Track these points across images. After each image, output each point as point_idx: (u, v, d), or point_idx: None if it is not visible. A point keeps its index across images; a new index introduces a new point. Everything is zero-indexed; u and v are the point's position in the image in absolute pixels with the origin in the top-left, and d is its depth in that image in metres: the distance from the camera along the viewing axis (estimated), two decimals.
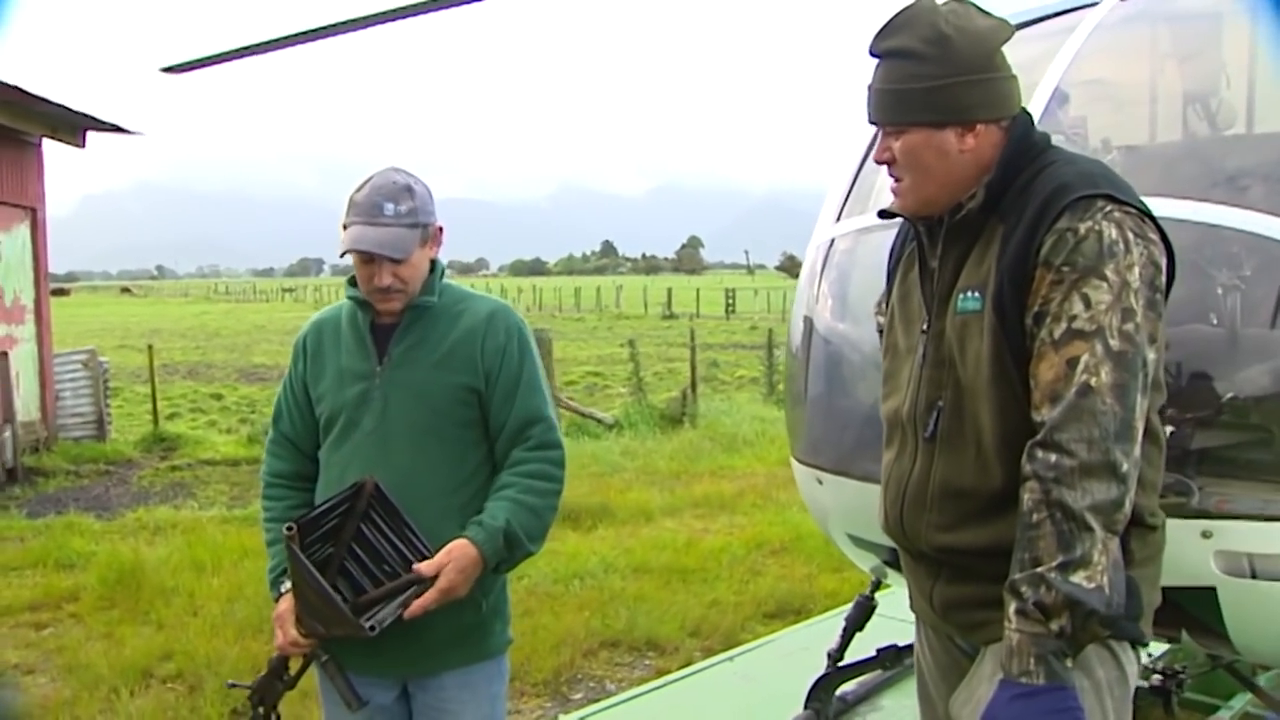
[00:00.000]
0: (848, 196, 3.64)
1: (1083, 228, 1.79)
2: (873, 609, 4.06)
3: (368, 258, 2.40)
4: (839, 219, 3.64)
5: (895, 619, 4.48)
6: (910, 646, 4.30)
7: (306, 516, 2.36)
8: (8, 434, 11.02)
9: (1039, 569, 1.71)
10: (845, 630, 4.09)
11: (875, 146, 2.02)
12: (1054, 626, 1.69)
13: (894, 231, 2.34)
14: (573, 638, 5.66)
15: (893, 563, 3.41)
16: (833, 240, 3.61)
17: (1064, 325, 1.77)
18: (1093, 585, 1.70)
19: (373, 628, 2.25)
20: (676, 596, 6.46)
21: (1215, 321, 2.73)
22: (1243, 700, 3.72)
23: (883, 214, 2.14)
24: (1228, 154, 3.28)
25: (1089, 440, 1.72)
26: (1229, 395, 2.59)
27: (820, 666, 4.13)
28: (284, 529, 2.26)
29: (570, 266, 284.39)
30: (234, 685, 2.69)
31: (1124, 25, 3.31)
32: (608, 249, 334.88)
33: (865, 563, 3.65)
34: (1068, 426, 1.73)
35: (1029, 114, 1.99)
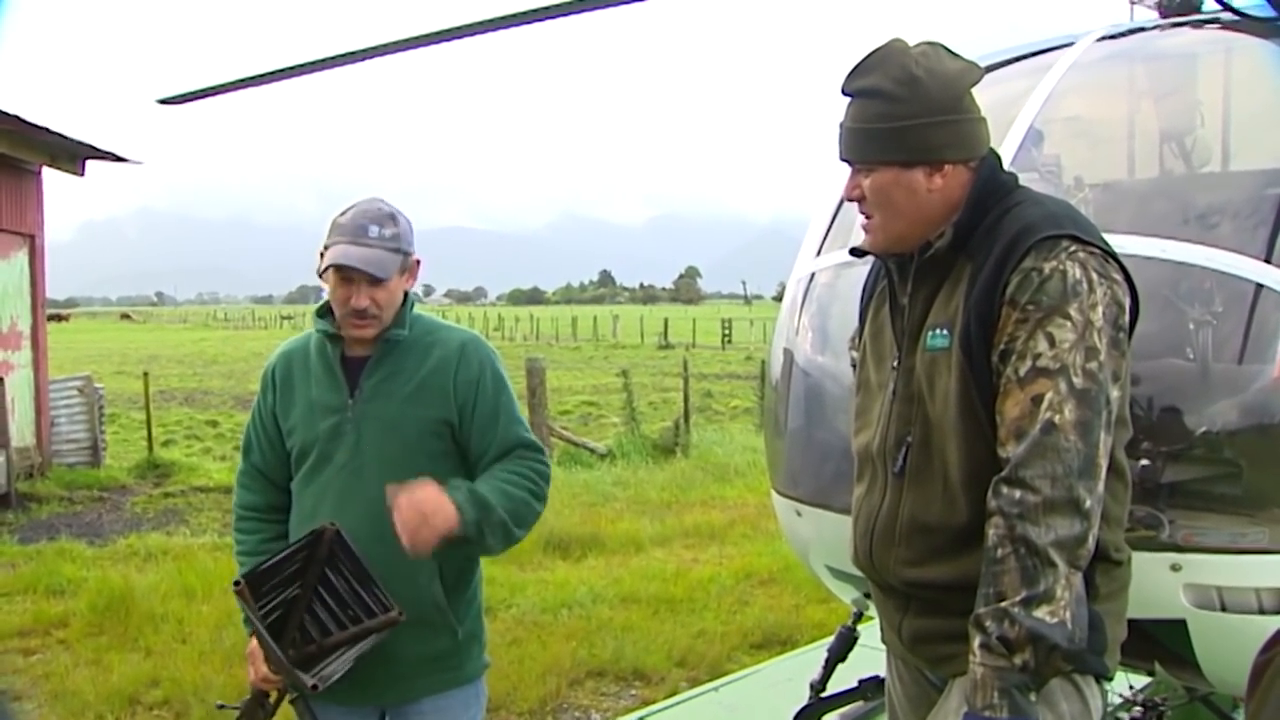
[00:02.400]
0: (828, 231, 3.68)
1: (1047, 267, 1.83)
2: (855, 640, 4.08)
3: (347, 278, 2.40)
4: (819, 253, 3.68)
5: (878, 650, 4.50)
6: None
7: (266, 564, 2.38)
8: (2, 459, 11.02)
9: (1003, 604, 1.74)
10: (828, 661, 4.10)
11: (846, 183, 2.07)
12: (1017, 660, 1.73)
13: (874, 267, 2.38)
14: (559, 667, 5.67)
15: (871, 594, 3.44)
16: (813, 274, 3.65)
17: (1029, 363, 1.81)
18: (1055, 620, 1.73)
19: (315, 686, 2.28)
20: (664, 626, 6.46)
21: (1188, 356, 2.77)
22: None
23: (854, 251, 2.19)
24: (1202, 192, 3.33)
25: (1053, 477, 1.75)
26: (1199, 430, 2.63)
27: (801, 696, 4.15)
28: (233, 584, 2.30)
29: (568, 295, 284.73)
30: (223, 706, 2.74)
31: (1099, 65, 3.37)
32: (606, 278, 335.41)
33: (846, 594, 3.68)
34: (1032, 463, 1.77)
35: (997, 155, 2.04)
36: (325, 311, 2.54)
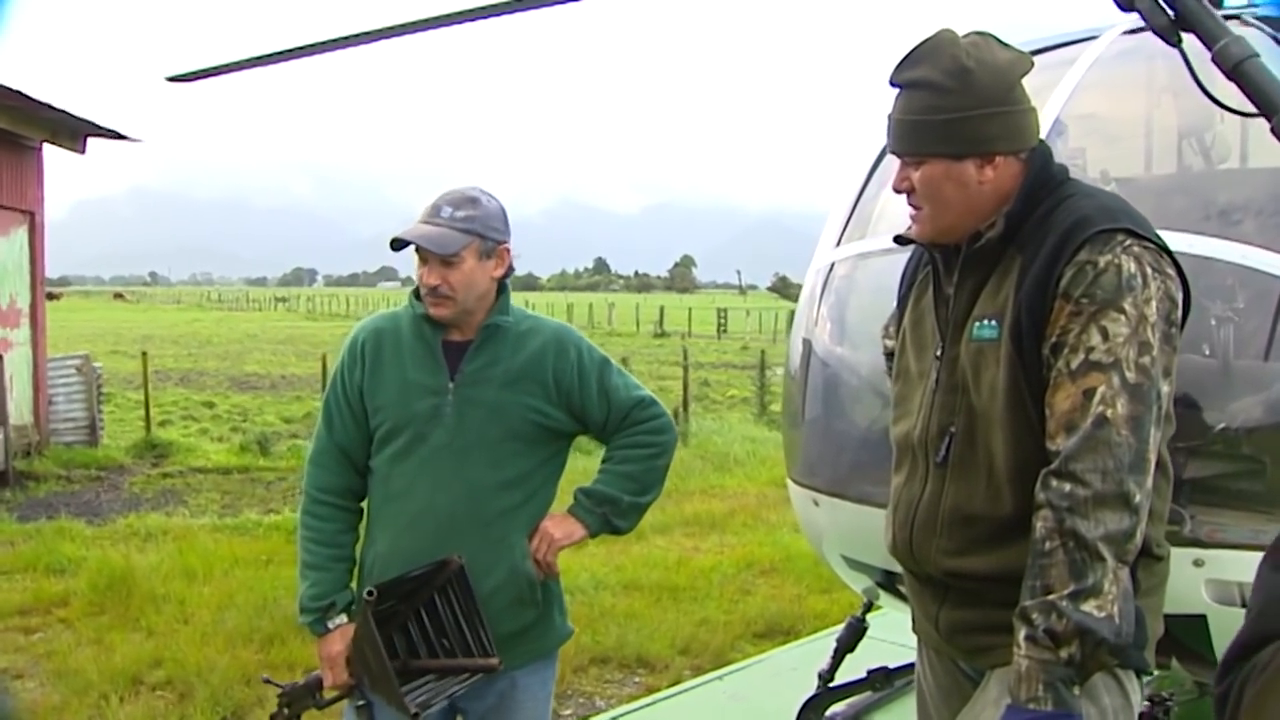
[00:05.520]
0: (848, 221, 3.67)
1: (1102, 261, 1.82)
2: (864, 630, 4.07)
3: (423, 256, 2.46)
4: (839, 243, 3.67)
5: (886, 641, 4.50)
6: (901, 669, 4.34)
7: (393, 580, 2.41)
8: (0, 437, 11.00)
9: (1050, 596, 1.75)
10: (836, 651, 4.10)
11: (895, 175, 2.05)
12: (1063, 654, 1.73)
13: (895, 257, 2.38)
14: (563, 653, 5.64)
15: (885, 585, 3.43)
16: (832, 264, 3.64)
17: (1081, 356, 1.81)
18: (1103, 614, 1.73)
19: (415, 715, 2.29)
20: (667, 614, 6.48)
21: (1208, 353, 2.78)
22: None
23: (899, 239, 2.17)
24: (1222, 188, 3.33)
25: (1103, 471, 1.75)
26: (1221, 426, 2.63)
27: (810, 686, 4.14)
28: (365, 592, 2.31)
29: (563, 282, 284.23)
30: (268, 681, 2.78)
31: (1122, 59, 3.36)
32: (601, 265, 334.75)
33: (858, 584, 3.67)
34: (1083, 457, 1.77)
35: (1047, 146, 2.03)
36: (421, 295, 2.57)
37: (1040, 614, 1.75)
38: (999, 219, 1.95)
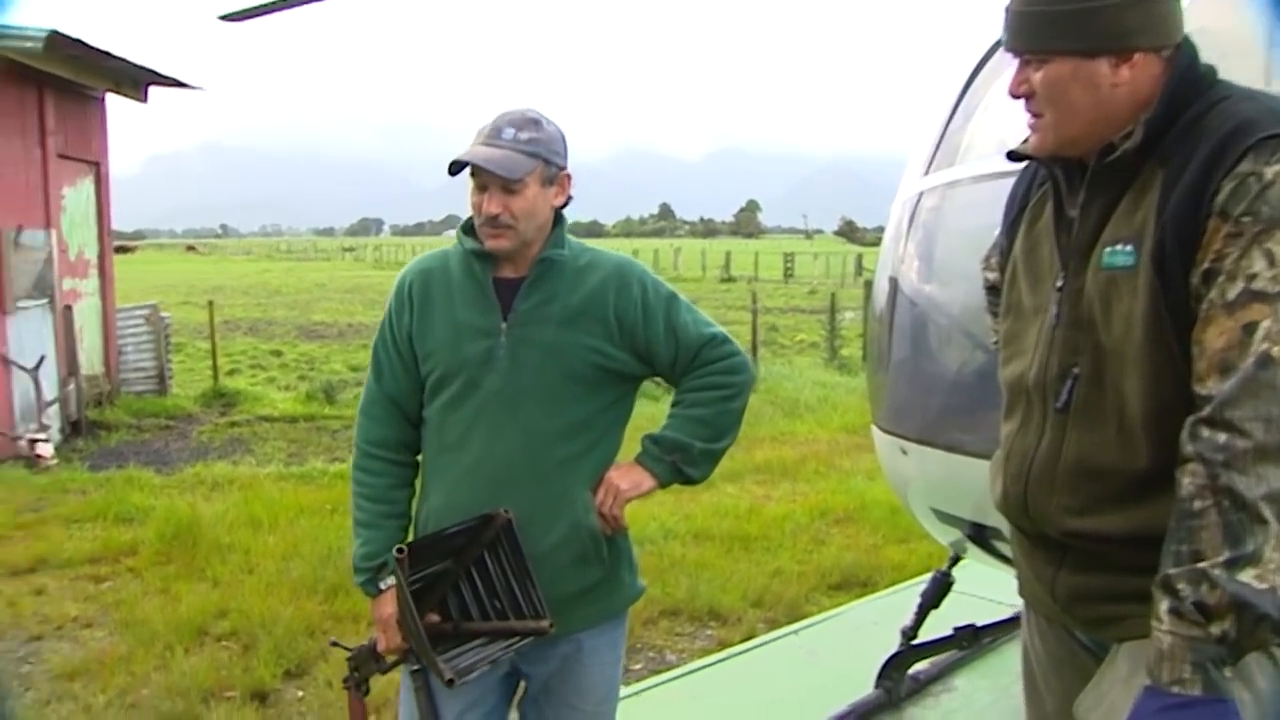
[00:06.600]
0: (938, 147, 3.41)
1: (1269, 172, 1.52)
2: (950, 585, 3.88)
3: (481, 184, 2.23)
4: (928, 171, 3.41)
5: (972, 595, 4.29)
6: (990, 626, 4.13)
7: (430, 536, 2.28)
8: (72, 387, 11.11)
9: (1200, 564, 1.47)
10: (921, 607, 3.92)
11: (1011, 78, 1.76)
12: (1215, 630, 1.46)
13: (992, 184, 2.11)
14: (632, 606, 5.51)
15: (976, 538, 3.21)
16: (920, 194, 3.38)
17: (1240, 285, 1.51)
18: (1264, 586, 1.45)
19: (450, 681, 2.15)
20: (738, 565, 6.29)
21: None
22: None
23: (1012, 155, 1.87)
24: None
25: (1267, 419, 1.47)
26: None
27: (890, 642, 3.98)
28: (394, 550, 2.16)
29: (628, 229, 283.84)
30: (335, 644, 2.70)
31: None
32: (665, 211, 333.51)
33: (945, 537, 3.47)
34: (1242, 402, 1.48)
35: (1193, 43, 1.71)
36: (471, 228, 2.35)
37: (1188, 584, 1.47)
38: (1137, 127, 1.65)
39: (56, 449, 10.09)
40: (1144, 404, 1.64)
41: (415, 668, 2.35)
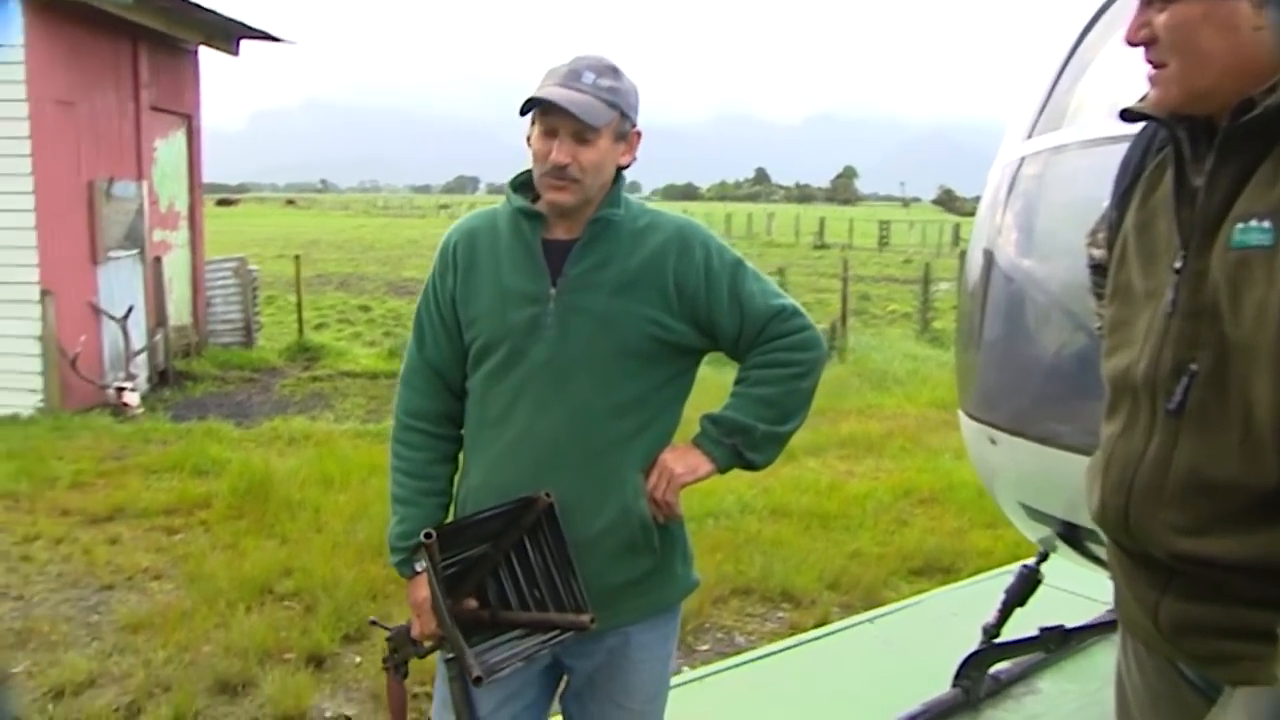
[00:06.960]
0: (1043, 109, 3.11)
1: None
2: (1038, 583, 3.62)
3: (550, 129, 2.04)
4: (1030, 135, 3.11)
5: (1062, 590, 4.01)
6: (1080, 629, 3.84)
7: (464, 520, 2.14)
8: (160, 337, 11.26)
9: None
10: (1005, 604, 3.66)
11: (1130, 22, 1.50)
12: None
13: (1102, 150, 1.82)
14: (703, 583, 5.31)
15: (1068, 537, 2.95)
16: (1022, 160, 3.09)
17: None
18: None
19: (478, 679, 1.99)
20: (816, 544, 6.03)
21: None
22: None
23: (1126, 114, 1.60)
24: None
25: None
26: None
27: (970, 637, 3.73)
28: (423, 535, 2.01)
29: (723, 193, 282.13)
30: (375, 623, 2.54)
31: None
32: (761, 176, 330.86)
33: (1034, 534, 3.21)
34: None
35: None
36: (521, 184, 2.17)
37: None
38: None
39: (143, 398, 10.23)
40: (1276, 410, 1.37)
41: (450, 656, 2.19)
